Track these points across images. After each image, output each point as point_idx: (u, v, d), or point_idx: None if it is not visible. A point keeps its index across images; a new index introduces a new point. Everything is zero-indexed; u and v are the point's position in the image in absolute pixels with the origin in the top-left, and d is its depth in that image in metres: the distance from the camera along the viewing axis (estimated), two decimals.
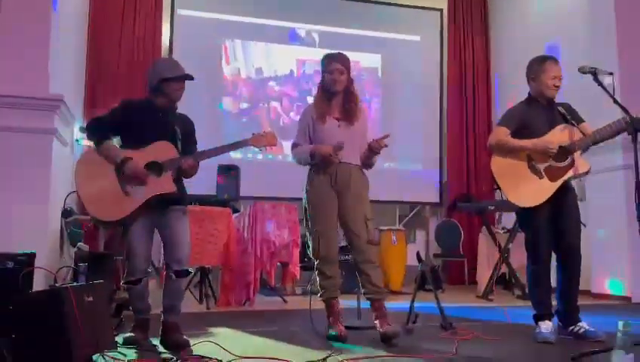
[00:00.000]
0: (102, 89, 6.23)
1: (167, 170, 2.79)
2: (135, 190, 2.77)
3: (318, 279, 3.12)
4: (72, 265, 4.22)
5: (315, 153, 3.04)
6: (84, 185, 2.79)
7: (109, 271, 4.04)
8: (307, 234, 3.15)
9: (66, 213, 4.78)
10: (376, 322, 2.98)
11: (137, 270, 2.84)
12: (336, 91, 3.13)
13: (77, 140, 5.67)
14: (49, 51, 4.34)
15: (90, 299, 2.32)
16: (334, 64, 3.10)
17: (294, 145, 3.20)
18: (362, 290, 3.08)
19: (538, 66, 3.17)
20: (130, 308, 2.97)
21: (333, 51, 3.25)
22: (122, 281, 2.90)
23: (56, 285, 2.24)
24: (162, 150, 2.82)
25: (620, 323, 1.61)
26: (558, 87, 3.13)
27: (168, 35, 6.73)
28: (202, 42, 6.72)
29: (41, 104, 4.22)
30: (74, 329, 2.16)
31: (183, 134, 2.94)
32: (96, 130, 2.87)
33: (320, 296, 3.12)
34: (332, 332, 2.99)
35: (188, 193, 3.05)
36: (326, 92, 3.15)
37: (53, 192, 4.37)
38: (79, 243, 4.72)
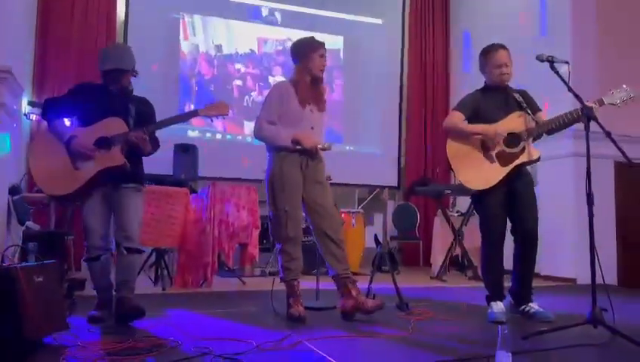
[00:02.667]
0: (52, 63, 5.93)
1: (115, 144, 2.82)
2: (85, 165, 2.83)
3: (281, 260, 3.11)
4: (20, 244, 4.07)
5: (298, 142, 3.02)
6: (36, 162, 2.90)
7: (61, 250, 3.91)
8: (272, 214, 3.11)
9: (13, 190, 4.58)
10: (356, 296, 3.03)
11: (93, 246, 2.88)
12: (319, 77, 3.17)
13: (25, 114, 5.41)
14: None
15: (41, 279, 2.25)
16: (323, 50, 3.17)
17: (268, 122, 3.08)
18: (337, 267, 3.07)
19: (483, 58, 3.24)
20: (93, 287, 3.00)
21: (295, 31, 3.23)
22: (83, 259, 2.96)
23: (4, 264, 2.14)
24: (112, 126, 2.85)
25: (499, 327, 1.85)
26: (504, 74, 3.16)
27: (124, 8, 6.44)
28: (159, 16, 6.49)
29: None
30: (23, 311, 2.09)
31: (139, 114, 2.96)
32: (50, 109, 2.93)
33: (284, 278, 3.11)
34: (292, 312, 3.00)
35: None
36: (311, 76, 3.16)
37: (0, 168, 4.17)
38: (28, 222, 4.54)
